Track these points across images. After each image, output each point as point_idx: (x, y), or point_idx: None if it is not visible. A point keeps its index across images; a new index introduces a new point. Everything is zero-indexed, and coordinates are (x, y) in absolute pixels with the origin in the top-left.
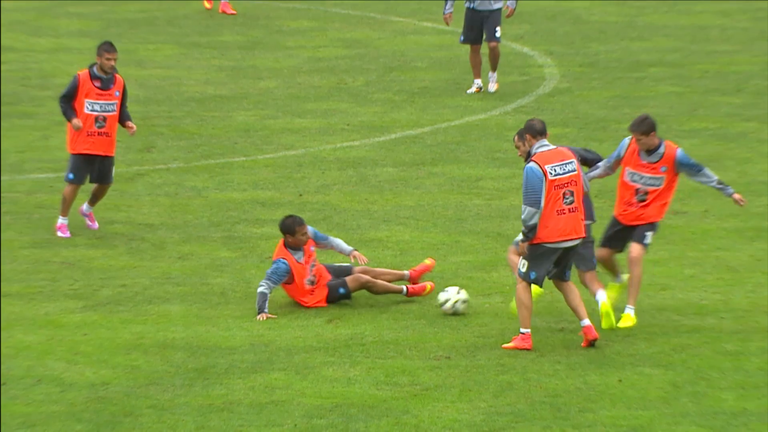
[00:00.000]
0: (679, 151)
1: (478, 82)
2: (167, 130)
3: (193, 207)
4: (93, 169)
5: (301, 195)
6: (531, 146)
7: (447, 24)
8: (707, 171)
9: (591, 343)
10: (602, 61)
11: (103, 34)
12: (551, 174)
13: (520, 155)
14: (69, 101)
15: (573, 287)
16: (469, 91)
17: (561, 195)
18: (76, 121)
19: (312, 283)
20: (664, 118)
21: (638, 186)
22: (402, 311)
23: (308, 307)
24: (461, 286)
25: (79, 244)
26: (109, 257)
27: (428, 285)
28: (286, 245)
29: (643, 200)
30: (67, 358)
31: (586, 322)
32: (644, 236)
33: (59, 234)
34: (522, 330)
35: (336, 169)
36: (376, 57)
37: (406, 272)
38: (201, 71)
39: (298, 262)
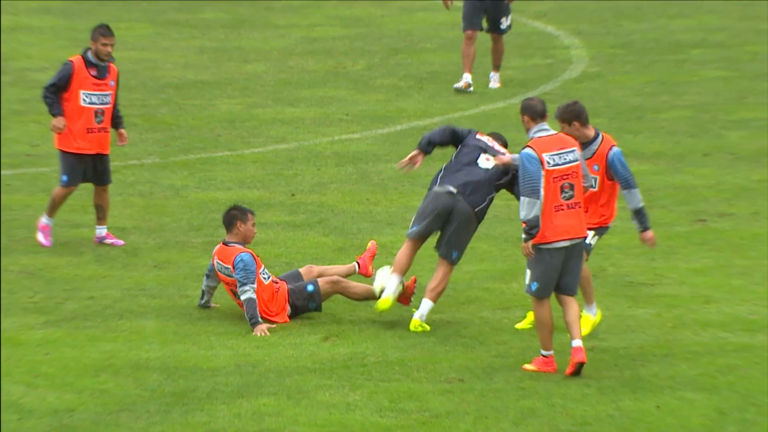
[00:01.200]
0: (613, 149)
1: (468, 77)
2: (141, 120)
3: (171, 208)
4: (87, 169)
5: (293, 195)
6: (528, 129)
7: (447, 8)
8: (636, 192)
9: (577, 368)
10: (637, 42)
11: (67, 12)
12: (549, 163)
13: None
14: (58, 92)
15: (574, 304)
16: (456, 86)
17: (559, 188)
18: (58, 122)
19: (269, 278)
20: (708, 106)
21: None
22: (409, 327)
23: (271, 319)
24: (476, 299)
25: (41, 250)
26: (74, 265)
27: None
28: (229, 244)
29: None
30: (27, 381)
31: (578, 343)
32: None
33: (39, 237)
34: (543, 352)
35: (333, 165)
36: (379, 37)
37: (355, 264)
38: (179, 53)
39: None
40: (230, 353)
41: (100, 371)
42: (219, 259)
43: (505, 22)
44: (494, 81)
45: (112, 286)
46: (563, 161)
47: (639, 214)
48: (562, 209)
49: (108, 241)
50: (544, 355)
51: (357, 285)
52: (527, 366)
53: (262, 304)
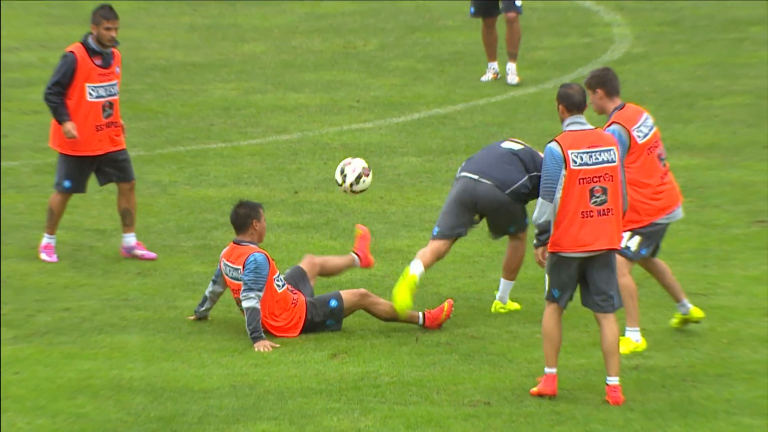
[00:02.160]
0: (613, 126)
1: (494, 66)
2: (123, 107)
3: (157, 207)
4: (101, 171)
5: (296, 192)
6: (563, 120)
7: None
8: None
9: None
10: (688, 19)
11: None
12: (574, 162)
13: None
14: (63, 92)
15: (612, 325)
16: (483, 79)
17: (588, 192)
18: (70, 127)
19: (283, 286)
20: None
21: None
22: (427, 342)
23: (280, 334)
24: (505, 310)
25: (9, 255)
26: (47, 273)
27: (446, 305)
28: (242, 243)
29: None
30: None
31: (614, 381)
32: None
33: (43, 257)
34: (546, 369)
35: (342, 159)
36: (394, 13)
37: (354, 256)
38: (167, 31)
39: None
40: (225, 372)
41: (77, 393)
42: (228, 260)
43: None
44: (512, 74)
45: (90, 296)
46: (595, 161)
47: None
48: (591, 216)
49: (138, 252)
50: (546, 373)
51: (385, 303)
52: (533, 390)
53: (272, 316)
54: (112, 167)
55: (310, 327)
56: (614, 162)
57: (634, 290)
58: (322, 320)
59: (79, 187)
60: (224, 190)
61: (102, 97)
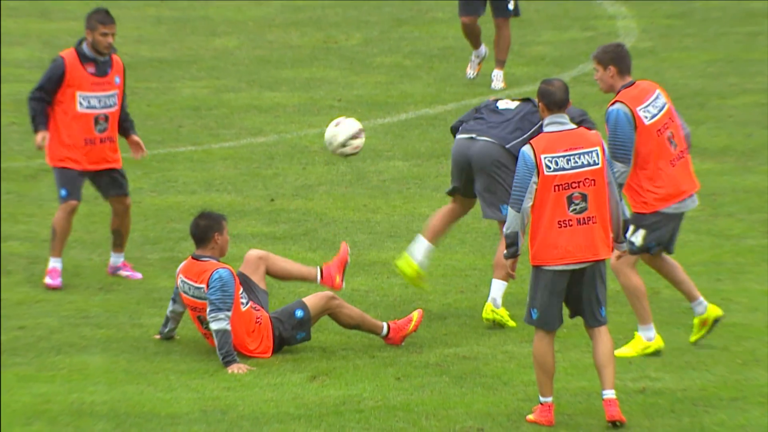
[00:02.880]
0: (616, 106)
1: (480, 51)
2: None
3: None
4: (96, 185)
5: (272, 200)
6: (542, 119)
7: None
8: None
9: (613, 425)
10: (699, 11)
11: None
12: (548, 168)
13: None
14: (46, 98)
15: (604, 338)
16: (469, 74)
17: (565, 199)
18: (40, 138)
19: (247, 302)
20: None
21: None
22: (415, 364)
23: (252, 354)
24: (499, 329)
25: None
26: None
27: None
28: (201, 258)
29: None
30: None
31: (609, 394)
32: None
33: (48, 281)
34: (540, 399)
35: (322, 163)
36: (379, 5)
37: (316, 270)
38: (132, 25)
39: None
40: (194, 396)
41: (33, 418)
42: (186, 276)
43: (512, 2)
44: (497, 80)
45: (47, 313)
46: (573, 165)
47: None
48: (569, 225)
49: (124, 273)
50: (541, 402)
51: (352, 308)
52: (529, 417)
53: (238, 336)
54: (105, 183)
55: (280, 343)
56: (597, 165)
57: (643, 291)
58: (292, 334)
59: (76, 194)
60: (194, 197)
61: (95, 108)
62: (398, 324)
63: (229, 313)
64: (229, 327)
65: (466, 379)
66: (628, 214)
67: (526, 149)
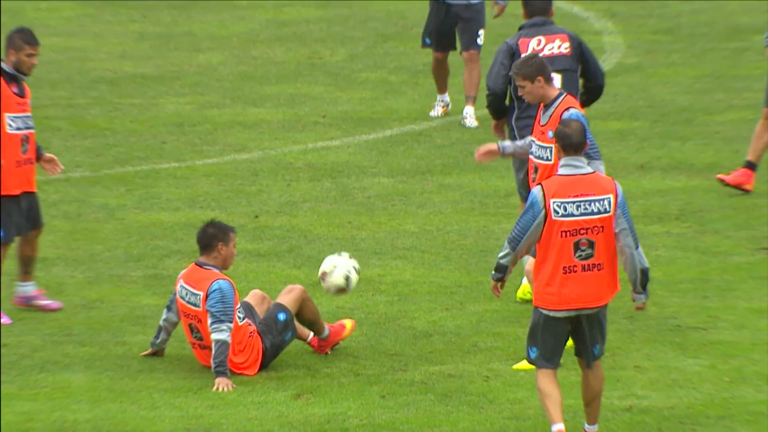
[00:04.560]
0: (571, 110)
1: (445, 98)
2: (66, 124)
3: (104, 234)
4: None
5: (257, 217)
6: (559, 160)
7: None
8: (600, 165)
9: None
10: (686, 26)
11: None
12: (556, 212)
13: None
14: None
15: (597, 373)
16: (432, 114)
17: (572, 245)
18: None
19: (244, 318)
20: None
21: (533, 160)
22: (401, 381)
23: (238, 372)
24: (485, 346)
25: None
26: None
27: (347, 323)
28: (204, 266)
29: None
30: None
31: (593, 429)
32: None
33: (39, 302)
34: (552, 427)
35: (307, 180)
36: (364, 20)
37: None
38: (115, 40)
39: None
40: (178, 414)
41: None
42: (186, 282)
43: (482, 35)
44: (470, 118)
45: (30, 331)
46: (583, 212)
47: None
48: (574, 271)
49: (40, 302)
50: (553, 429)
51: (315, 306)
52: None
53: (232, 350)
54: (25, 212)
55: (274, 352)
56: (608, 212)
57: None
58: (281, 338)
59: (11, 235)
60: (177, 214)
61: (20, 129)
62: (334, 327)
63: (231, 325)
64: (229, 339)
65: (451, 397)
66: (646, 263)
67: (536, 191)
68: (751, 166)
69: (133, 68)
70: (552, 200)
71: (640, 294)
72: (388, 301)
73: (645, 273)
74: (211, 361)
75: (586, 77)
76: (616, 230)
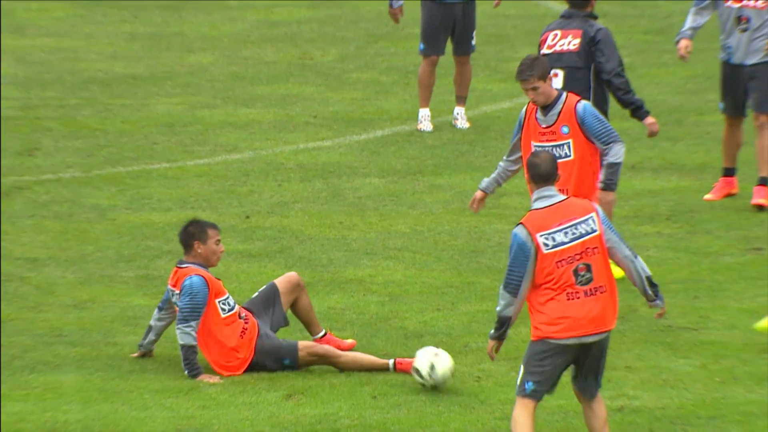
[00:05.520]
0: (581, 101)
1: (427, 111)
2: (57, 124)
3: (95, 234)
4: None
5: (248, 217)
6: (531, 194)
7: (396, 21)
8: (621, 148)
9: None
10: (677, 26)
11: None
12: (546, 246)
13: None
14: None
15: (600, 406)
16: (421, 128)
17: (571, 273)
18: None
19: (231, 310)
20: None
21: None
22: (392, 382)
23: (218, 370)
24: (476, 346)
25: None
26: None
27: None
28: (181, 266)
29: None
30: None
31: None
32: None
33: None
34: None
35: (298, 180)
36: (355, 20)
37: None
38: (106, 41)
39: (212, 276)
40: (169, 415)
41: None
42: (170, 284)
43: (474, 37)
44: (462, 119)
45: (21, 332)
46: (572, 237)
47: (611, 174)
48: (578, 297)
49: None
50: None
51: (346, 355)
52: None
53: (216, 345)
54: None
55: (256, 370)
56: (595, 232)
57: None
58: (273, 368)
59: None
60: (169, 214)
61: None
62: (404, 362)
63: (196, 324)
64: (194, 342)
65: (442, 397)
66: (648, 270)
67: (518, 231)
68: (764, 181)
69: (124, 69)
70: (538, 235)
71: (655, 300)
72: (380, 302)
73: (650, 280)
74: (183, 365)
75: (596, 72)
76: (608, 246)
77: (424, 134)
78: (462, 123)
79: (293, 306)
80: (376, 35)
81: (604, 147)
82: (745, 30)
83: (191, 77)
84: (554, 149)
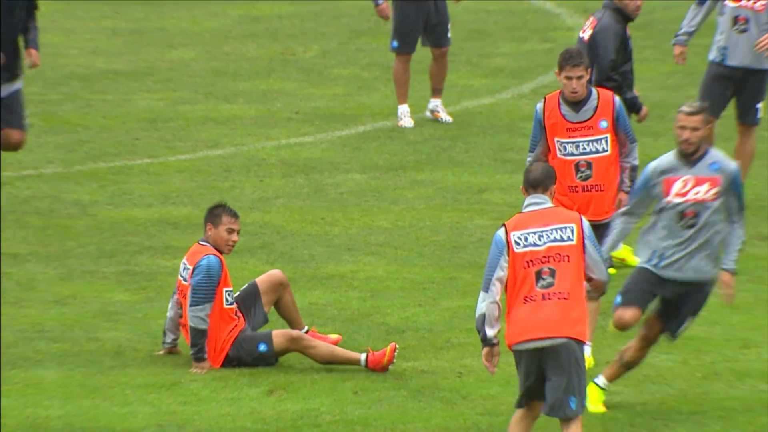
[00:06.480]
0: (615, 96)
1: (406, 109)
2: (38, 120)
3: (76, 230)
4: None
5: None
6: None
7: (386, 18)
8: (636, 147)
9: None
10: (658, 22)
11: None
12: (517, 244)
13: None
14: None
15: (571, 428)
16: (402, 124)
17: (534, 275)
18: None
19: (232, 304)
20: None
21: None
22: (373, 377)
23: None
24: (458, 342)
25: None
26: None
27: (388, 349)
28: (202, 242)
29: (589, 177)
30: None
31: None
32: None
33: None
34: None
35: (279, 176)
36: (337, 16)
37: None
38: (86, 36)
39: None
40: (150, 410)
41: None
42: (186, 258)
43: (450, 30)
44: (443, 112)
45: (2, 327)
46: (544, 241)
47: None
48: (533, 300)
49: None
50: None
51: (322, 345)
52: None
53: (221, 332)
54: None
55: (234, 365)
56: (570, 241)
57: (594, 307)
58: (250, 361)
59: None
60: (150, 210)
61: None
62: (376, 356)
63: (209, 307)
64: (205, 326)
65: (424, 393)
66: None
67: (499, 230)
68: None
69: (106, 64)
70: (512, 233)
71: None
72: (361, 297)
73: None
74: (190, 346)
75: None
76: (586, 261)
77: (405, 130)
78: (445, 116)
79: (276, 304)
80: (357, 31)
81: (631, 144)
82: (743, 31)
83: (172, 73)
84: (590, 144)
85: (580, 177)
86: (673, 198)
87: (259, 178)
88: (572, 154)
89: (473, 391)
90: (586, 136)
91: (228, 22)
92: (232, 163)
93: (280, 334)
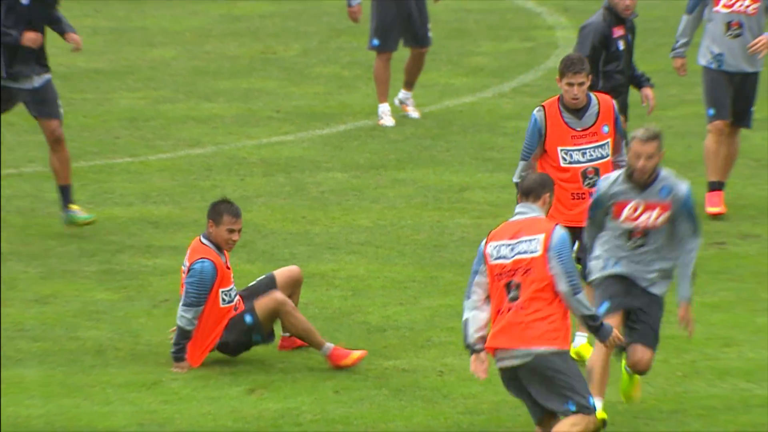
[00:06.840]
0: (613, 101)
1: (387, 108)
2: (19, 119)
3: (57, 229)
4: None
5: None
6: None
7: (356, 21)
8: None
9: None
10: (639, 21)
11: None
12: (491, 256)
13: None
14: None
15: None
16: (382, 123)
17: (504, 288)
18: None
19: (230, 301)
20: None
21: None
22: (354, 376)
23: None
24: (439, 341)
25: None
26: None
27: (356, 354)
28: (203, 240)
29: (596, 183)
30: None
31: None
32: None
33: None
34: None
35: (260, 175)
36: (317, 15)
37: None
38: None
39: (224, 264)
40: (131, 410)
41: None
42: (187, 254)
43: (430, 29)
44: (412, 108)
45: None
46: (513, 254)
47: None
48: (504, 313)
49: None
50: None
51: (302, 318)
52: None
53: (197, 332)
54: None
55: (236, 348)
56: (535, 253)
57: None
58: (245, 339)
59: None
60: (131, 209)
61: None
62: (340, 353)
63: (198, 311)
64: (190, 328)
65: (405, 392)
66: (587, 309)
67: (483, 240)
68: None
69: (86, 63)
70: (490, 244)
71: (596, 334)
72: (342, 296)
73: (589, 318)
74: (172, 344)
75: None
76: (551, 273)
77: (386, 129)
78: (413, 112)
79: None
80: (338, 30)
81: (623, 142)
82: (737, 36)
83: (153, 71)
84: (596, 150)
85: (588, 184)
86: (622, 222)
87: (240, 176)
88: (579, 162)
89: (454, 390)
90: (591, 142)
91: (209, 21)
92: (213, 162)
93: (263, 298)
